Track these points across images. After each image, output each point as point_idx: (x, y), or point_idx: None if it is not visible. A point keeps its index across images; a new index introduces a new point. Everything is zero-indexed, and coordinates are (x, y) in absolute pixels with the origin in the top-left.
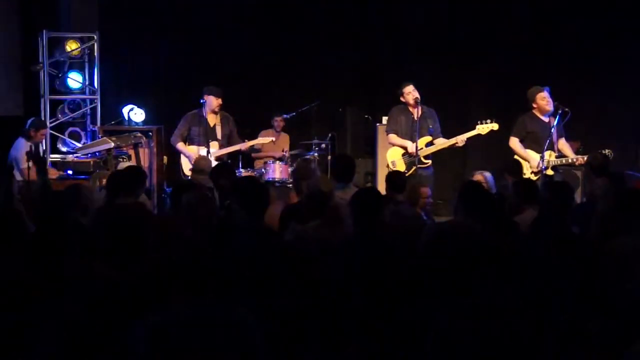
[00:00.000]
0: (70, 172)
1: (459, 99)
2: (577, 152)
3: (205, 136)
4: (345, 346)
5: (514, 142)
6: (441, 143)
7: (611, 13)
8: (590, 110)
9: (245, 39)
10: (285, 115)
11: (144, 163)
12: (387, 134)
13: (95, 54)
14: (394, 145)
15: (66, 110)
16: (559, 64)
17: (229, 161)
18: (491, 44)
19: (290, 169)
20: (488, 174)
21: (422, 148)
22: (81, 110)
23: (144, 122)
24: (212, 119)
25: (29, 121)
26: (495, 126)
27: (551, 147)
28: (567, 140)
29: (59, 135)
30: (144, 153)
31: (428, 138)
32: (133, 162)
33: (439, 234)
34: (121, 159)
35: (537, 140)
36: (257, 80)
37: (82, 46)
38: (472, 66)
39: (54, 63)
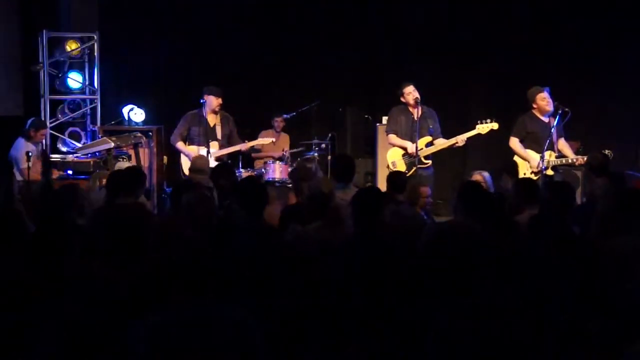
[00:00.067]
0: (70, 172)
1: (459, 99)
2: (577, 152)
3: (205, 136)
4: (345, 346)
5: (514, 142)
6: (441, 143)
7: (611, 13)
8: (590, 110)
9: (245, 39)
10: (285, 115)
11: (144, 163)
12: (387, 135)
13: (95, 54)
14: (393, 145)
15: (66, 110)
16: (559, 64)
17: (229, 161)
18: (491, 44)
19: (290, 169)
20: (486, 174)
21: (422, 148)
22: (81, 110)
23: (144, 122)
24: (212, 119)
25: (29, 121)
26: (495, 126)
27: (551, 147)
28: (567, 140)
29: (59, 135)
30: (144, 153)
31: (428, 138)
32: (133, 162)
33: (439, 234)
34: (121, 159)
35: (537, 140)
36: (257, 80)
37: (82, 46)
38: (472, 66)
39: (54, 63)
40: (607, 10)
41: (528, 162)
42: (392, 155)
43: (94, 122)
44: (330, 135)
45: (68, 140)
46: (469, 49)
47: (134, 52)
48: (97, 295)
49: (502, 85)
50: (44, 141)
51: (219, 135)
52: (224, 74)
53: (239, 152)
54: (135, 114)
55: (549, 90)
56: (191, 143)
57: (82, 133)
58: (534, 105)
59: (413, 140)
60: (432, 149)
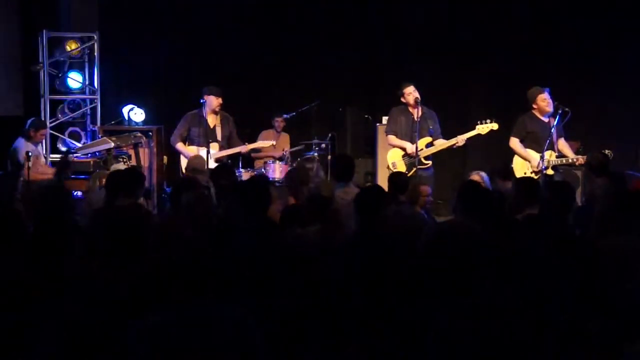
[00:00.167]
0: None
1: (459, 99)
2: (577, 152)
3: (205, 137)
4: (345, 346)
5: (514, 142)
6: (441, 144)
7: (611, 13)
8: (590, 110)
9: (245, 39)
10: (285, 115)
11: (144, 163)
12: (387, 135)
13: (95, 54)
14: (393, 146)
15: (66, 110)
16: (559, 64)
17: (229, 161)
18: (491, 44)
19: (289, 169)
20: (484, 174)
21: (422, 149)
22: (81, 110)
23: (144, 122)
24: (212, 120)
25: (29, 121)
26: (495, 126)
27: (551, 147)
28: (567, 140)
29: (59, 135)
30: (144, 153)
31: (428, 139)
32: (133, 162)
33: (439, 234)
34: (122, 159)
35: (537, 140)
36: (257, 80)
37: (82, 46)
38: (472, 66)
39: (54, 63)
40: (607, 10)
41: (529, 162)
42: (392, 156)
43: (94, 122)
44: (330, 135)
45: (68, 140)
46: (469, 49)
47: (134, 52)
48: (97, 295)
49: (502, 85)
50: (43, 141)
51: (219, 137)
52: (224, 74)
53: (239, 153)
54: (135, 114)
55: (549, 90)
56: (191, 144)
57: (82, 133)
58: (534, 106)
59: (413, 141)
60: (432, 150)
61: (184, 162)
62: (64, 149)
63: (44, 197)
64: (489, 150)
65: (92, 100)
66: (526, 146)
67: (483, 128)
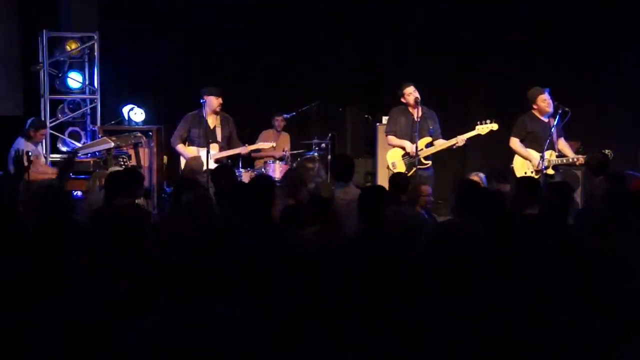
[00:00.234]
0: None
1: (459, 99)
2: (577, 152)
3: (205, 138)
4: (345, 346)
5: (515, 142)
6: (441, 144)
7: (611, 13)
8: (590, 110)
9: (245, 39)
10: (285, 115)
11: (144, 163)
12: (386, 135)
13: (95, 54)
14: (393, 146)
15: (66, 110)
16: (559, 64)
17: (229, 161)
18: (491, 44)
19: (288, 169)
20: (483, 175)
21: (422, 149)
22: (81, 110)
23: (144, 122)
24: (212, 121)
25: (29, 121)
26: (494, 126)
27: (551, 147)
28: (567, 140)
29: (59, 135)
30: (144, 153)
31: (428, 139)
32: (133, 162)
33: (438, 234)
34: (121, 159)
35: (537, 140)
36: (257, 80)
37: (82, 46)
38: (472, 66)
39: (54, 63)
40: (607, 10)
41: (530, 161)
42: (392, 156)
43: (94, 122)
44: (330, 135)
45: (68, 140)
46: (469, 49)
47: (134, 52)
48: (97, 295)
49: (502, 85)
50: (43, 142)
51: (219, 137)
52: (224, 74)
53: (239, 154)
54: (135, 114)
55: (550, 91)
56: (191, 144)
57: (82, 133)
58: (534, 106)
59: (413, 141)
60: (432, 150)
61: (184, 163)
62: (64, 148)
63: (43, 197)
64: (489, 151)
65: (92, 100)
66: (526, 146)
67: (483, 128)
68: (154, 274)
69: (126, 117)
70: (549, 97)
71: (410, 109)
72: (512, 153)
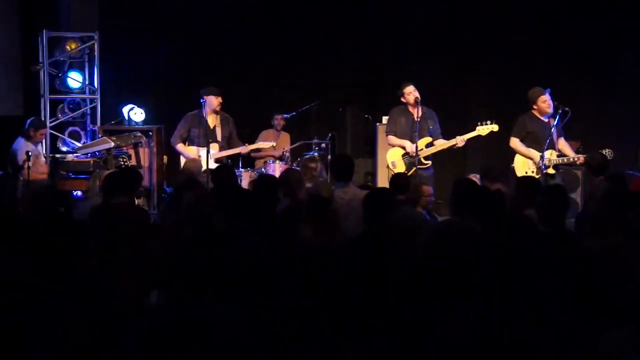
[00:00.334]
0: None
1: (459, 99)
2: (577, 152)
3: (205, 137)
4: (345, 346)
5: (515, 142)
6: (441, 144)
7: (611, 13)
8: (590, 110)
9: (245, 39)
10: (285, 115)
11: (144, 163)
12: (386, 135)
13: (95, 53)
14: (393, 145)
15: (66, 110)
16: (559, 64)
17: (229, 161)
18: (491, 44)
19: (286, 168)
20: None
21: (422, 149)
22: (81, 110)
23: (144, 122)
24: (212, 121)
25: (29, 121)
26: (495, 127)
27: (552, 147)
28: (567, 140)
29: (59, 135)
30: (144, 153)
31: (428, 139)
32: (133, 162)
33: (439, 234)
34: (121, 159)
35: (537, 140)
36: (257, 80)
37: (82, 46)
38: (472, 66)
39: (54, 63)
40: (607, 10)
41: (532, 160)
42: (391, 156)
43: (94, 122)
44: (330, 135)
45: (68, 140)
46: (469, 49)
47: (134, 52)
48: (97, 295)
49: (502, 85)
50: (43, 141)
51: (219, 137)
52: (224, 74)
53: (239, 153)
54: (135, 114)
55: (550, 91)
56: (191, 144)
57: (82, 133)
58: (535, 106)
59: (413, 141)
60: (432, 150)
61: (184, 162)
62: (64, 148)
63: (43, 196)
64: (489, 151)
65: (92, 100)
66: (526, 146)
67: (483, 129)
68: (154, 273)
69: (126, 117)
70: (550, 98)
71: (410, 109)
72: (512, 153)
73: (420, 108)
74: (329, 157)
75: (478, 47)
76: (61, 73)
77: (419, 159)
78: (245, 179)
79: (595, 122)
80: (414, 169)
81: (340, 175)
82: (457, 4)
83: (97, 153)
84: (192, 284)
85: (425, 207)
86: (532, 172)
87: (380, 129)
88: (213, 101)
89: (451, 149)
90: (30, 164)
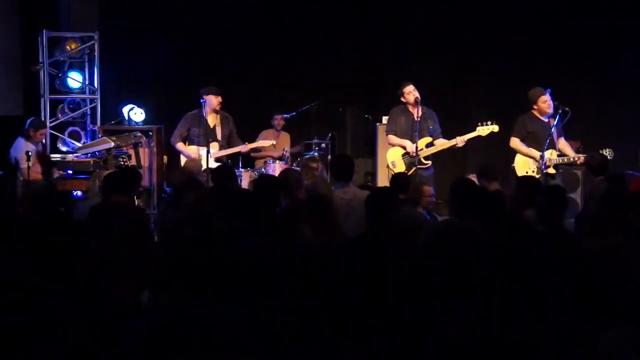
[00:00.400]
0: (70, 171)
1: (459, 99)
2: (577, 152)
3: (205, 137)
4: (345, 346)
5: (515, 142)
6: (441, 144)
7: (611, 13)
8: (590, 110)
9: (245, 39)
10: (285, 115)
11: (144, 163)
12: (386, 135)
13: (95, 53)
14: (393, 145)
15: (66, 110)
16: (559, 64)
17: (229, 161)
18: (491, 44)
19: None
20: None
21: (422, 149)
22: (81, 110)
23: (144, 122)
24: (212, 120)
25: (29, 121)
26: (495, 128)
27: (552, 147)
28: (567, 140)
29: (59, 135)
30: (144, 153)
31: (428, 139)
32: (133, 162)
33: (439, 234)
34: (121, 159)
35: (537, 140)
36: (257, 80)
37: (82, 46)
38: (472, 66)
39: (54, 63)
40: (607, 10)
41: (533, 159)
42: (391, 155)
43: (94, 122)
44: (330, 135)
45: (68, 140)
46: (469, 49)
47: (134, 52)
48: (97, 295)
49: (502, 85)
50: (43, 141)
51: (219, 136)
52: (224, 74)
53: (239, 152)
54: (135, 114)
55: (551, 92)
56: (191, 143)
57: (82, 133)
58: (535, 107)
59: (413, 141)
60: (432, 150)
61: (184, 162)
62: (64, 148)
63: (41, 196)
64: (489, 151)
65: (92, 100)
66: (527, 146)
67: (483, 129)
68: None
69: (126, 117)
70: (550, 99)
71: (410, 108)
72: (512, 153)
73: (420, 108)
74: (329, 157)
75: (478, 47)
76: (61, 73)
77: (419, 159)
78: (245, 179)
79: (595, 122)
80: (414, 168)
81: (340, 175)
82: (457, 4)
83: (97, 153)
84: (192, 284)
85: (426, 207)
86: (533, 171)
87: (380, 129)
88: (213, 100)
89: (451, 149)
90: (30, 164)
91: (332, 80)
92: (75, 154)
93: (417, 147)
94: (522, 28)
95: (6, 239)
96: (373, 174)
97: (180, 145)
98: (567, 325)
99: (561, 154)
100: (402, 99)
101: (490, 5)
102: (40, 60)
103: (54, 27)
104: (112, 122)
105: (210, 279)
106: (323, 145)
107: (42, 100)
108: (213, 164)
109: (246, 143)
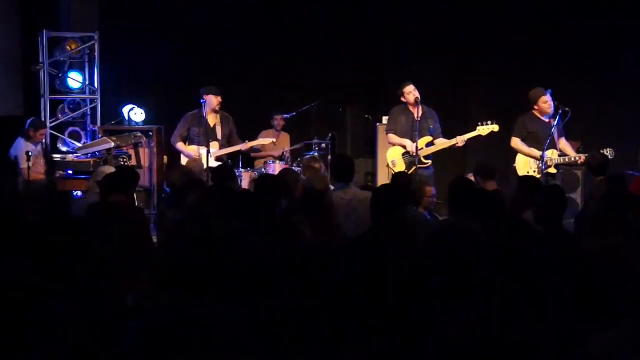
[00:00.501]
0: (70, 171)
1: (459, 99)
2: (577, 152)
3: (205, 136)
4: (345, 346)
5: (516, 142)
6: (441, 143)
7: (611, 13)
8: (590, 110)
9: (245, 39)
10: (285, 115)
11: (144, 163)
12: (387, 134)
13: (95, 53)
14: (393, 144)
15: (66, 110)
16: (559, 64)
17: (229, 161)
18: (491, 44)
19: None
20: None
21: (422, 148)
22: (81, 110)
23: (144, 122)
24: (212, 119)
25: (28, 121)
26: (495, 127)
27: (553, 146)
28: (567, 140)
29: (59, 135)
30: (144, 153)
31: (428, 138)
32: (133, 162)
33: (439, 234)
34: (121, 159)
35: (537, 140)
36: (257, 80)
37: (82, 46)
38: (472, 66)
39: (54, 63)
40: (607, 10)
41: (533, 159)
42: (391, 154)
43: (94, 122)
44: (330, 135)
45: (68, 140)
46: (469, 49)
47: (134, 52)
48: (97, 295)
49: (502, 85)
50: (43, 141)
51: (218, 135)
52: (224, 74)
53: (238, 151)
54: (135, 114)
55: (551, 92)
56: (191, 143)
57: (82, 133)
58: (535, 107)
59: (413, 140)
60: (432, 149)
61: (184, 162)
62: (64, 148)
63: (41, 196)
64: (489, 151)
65: (92, 100)
66: (527, 145)
67: (483, 129)
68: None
69: (126, 117)
70: (550, 99)
71: (411, 108)
72: (513, 153)
73: (420, 107)
74: (329, 157)
75: (478, 47)
76: (61, 73)
77: (419, 158)
78: (245, 179)
79: (595, 122)
80: (414, 167)
81: (341, 175)
82: (457, 4)
83: (97, 153)
84: (192, 284)
85: (427, 207)
86: (534, 171)
87: (380, 129)
88: (212, 100)
89: (451, 148)
90: (30, 164)
91: (332, 80)
92: (75, 154)
93: (417, 146)
94: (522, 28)
95: (6, 239)
96: (373, 174)
97: (180, 145)
98: (567, 325)
99: (562, 154)
100: (402, 99)
101: (490, 5)
102: (40, 60)
103: (54, 27)
104: (112, 122)
105: (210, 279)
106: (323, 145)
107: (42, 100)
108: (213, 163)
109: (246, 141)
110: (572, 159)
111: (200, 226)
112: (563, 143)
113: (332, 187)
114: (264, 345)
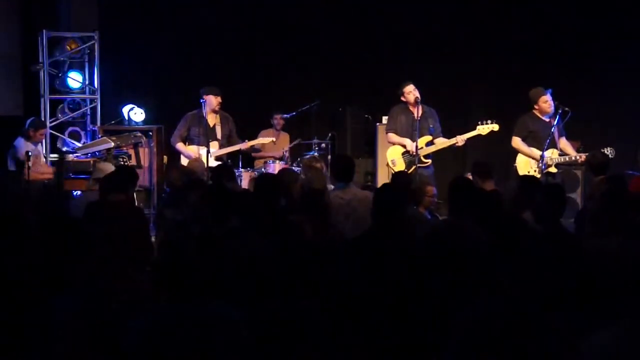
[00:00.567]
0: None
1: (459, 99)
2: (577, 152)
3: (205, 136)
4: (345, 346)
5: (517, 142)
6: (441, 143)
7: (611, 13)
8: (590, 110)
9: (245, 38)
10: (285, 115)
11: (144, 163)
12: (387, 133)
13: (95, 53)
14: (393, 143)
15: (66, 110)
16: (559, 64)
17: (229, 161)
18: (491, 44)
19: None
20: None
21: (422, 147)
22: (81, 110)
23: (144, 122)
24: (212, 119)
25: (28, 121)
26: (495, 127)
27: (554, 146)
28: (567, 140)
29: (59, 135)
30: (144, 153)
31: (428, 137)
32: (133, 162)
33: (439, 234)
34: (121, 159)
35: (538, 140)
36: (257, 80)
37: (82, 46)
38: (472, 66)
39: (54, 63)
40: (607, 10)
41: (534, 159)
42: (391, 154)
43: (94, 122)
44: (330, 135)
45: (68, 140)
46: (469, 49)
47: (134, 52)
48: (97, 295)
49: (502, 85)
50: (43, 141)
51: (218, 135)
52: (224, 74)
53: (238, 151)
54: (135, 114)
55: (551, 92)
56: (191, 143)
57: (82, 133)
58: (536, 106)
59: (413, 140)
60: (432, 148)
61: (184, 162)
62: (64, 148)
63: (44, 196)
64: (489, 151)
65: (92, 100)
66: (528, 145)
67: (484, 129)
68: (154, 273)
69: (126, 117)
70: (551, 99)
71: (411, 108)
72: (513, 152)
73: (420, 107)
74: (329, 157)
75: (478, 47)
76: (61, 73)
77: (419, 157)
78: (245, 179)
79: (595, 122)
80: (414, 167)
81: (341, 175)
82: (457, 4)
83: (97, 153)
84: (192, 284)
85: (428, 207)
86: (535, 171)
87: (380, 129)
88: (212, 100)
89: (451, 148)
90: (30, 164)
91: (332, 80)
92: (75, 154)
93: (417, 146)
94: (522, 28)
95: (6, 239)
96: (373, 173)
97: (180, 145)
98: (567, 325)
99: (563, 153)
100: (402, 99)
101: (490, 5)
102: (40, 60)
103: (54, 27)
104: (112, 122)
105: (210, 279)
106: (323, 145)
107: (42, 100)
108: (213, 163)
109: (246, 140)
110: (573, 158)
111: (201, 226)
112: (563, 143)
113: (332, 187)
114: (263, 346)
